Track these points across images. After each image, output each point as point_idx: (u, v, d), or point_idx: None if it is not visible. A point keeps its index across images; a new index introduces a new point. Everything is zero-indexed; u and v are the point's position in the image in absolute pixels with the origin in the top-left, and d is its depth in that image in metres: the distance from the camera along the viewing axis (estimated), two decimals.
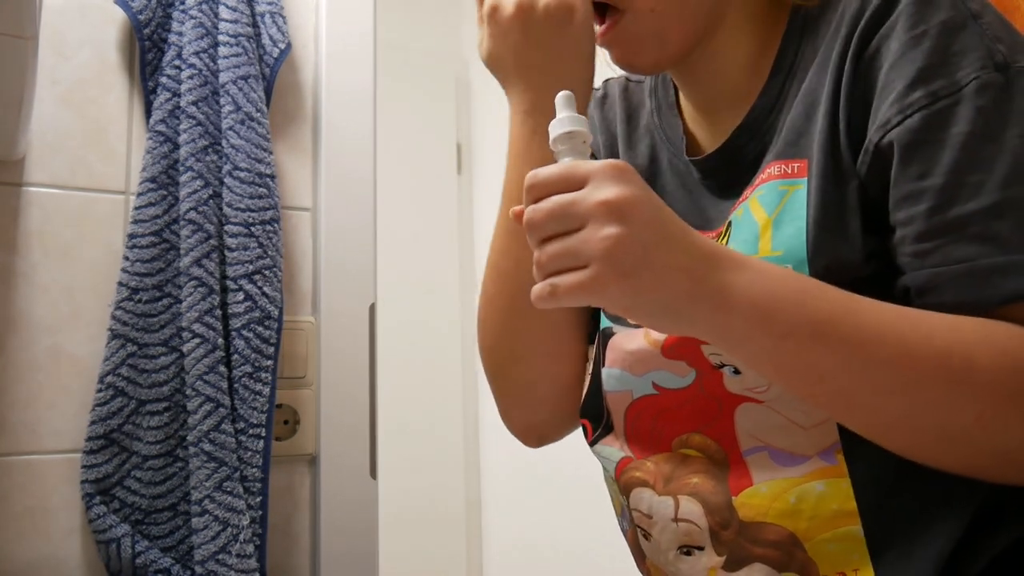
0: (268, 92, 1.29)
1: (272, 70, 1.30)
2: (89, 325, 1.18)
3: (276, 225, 1.23)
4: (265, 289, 1.20)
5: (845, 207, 0.57)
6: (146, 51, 1.24)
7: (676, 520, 0.62)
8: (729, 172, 0.67)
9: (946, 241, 0.53)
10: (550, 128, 0.54)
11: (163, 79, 1.23)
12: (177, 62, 1.23)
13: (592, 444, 0.71)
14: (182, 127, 1.20)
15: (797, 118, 0.61)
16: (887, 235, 0.57)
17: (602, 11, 0.67)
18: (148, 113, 1.24)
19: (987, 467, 0.52)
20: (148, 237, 1.18)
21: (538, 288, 0.50)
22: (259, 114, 1.24)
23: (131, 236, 1.18)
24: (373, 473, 1.32)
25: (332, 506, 1.28)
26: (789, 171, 0.60)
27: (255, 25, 1.29)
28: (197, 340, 1.14)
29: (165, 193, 1.20)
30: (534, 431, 0.79)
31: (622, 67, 0.68)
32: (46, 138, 1.20)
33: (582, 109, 0.69)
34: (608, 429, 0.69)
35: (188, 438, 1.13)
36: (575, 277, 0.48)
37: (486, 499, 2.57)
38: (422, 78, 2.65)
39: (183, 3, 1.25)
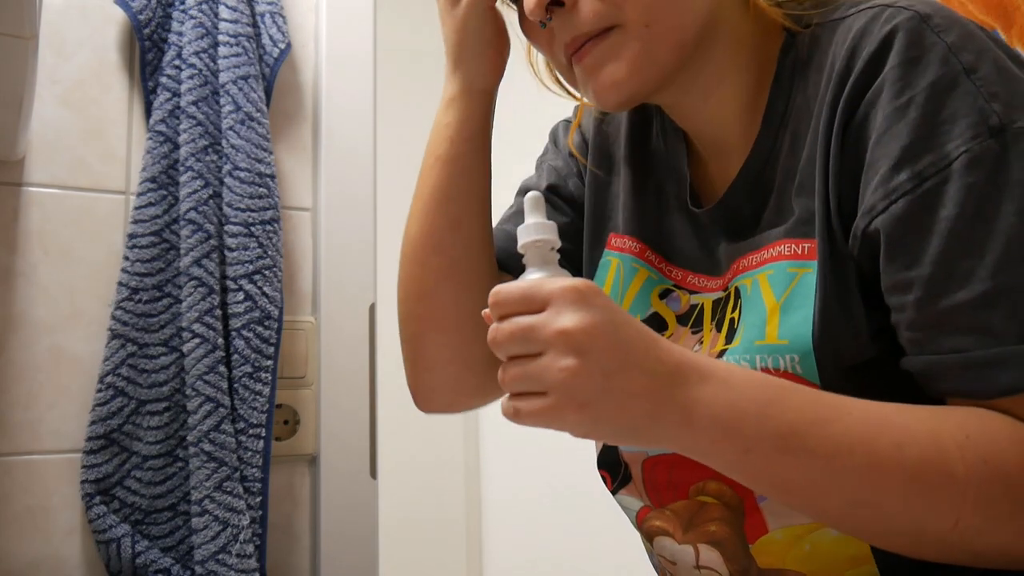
0: (268, 92, 1.29)
1: (272, 70, 1.30)
2: (89, 325, 1.18)
3: (276, 225, 1.23)
4: (265, 289, 1.20)
5: (847, 292, 0.56)
6: (146, 51, 1.24)
7: (698, 567, 0.63)
8: (731, 222, 0.66)
9: (938, 332, 0.51)
10: (518, 232, 0.54)
11: (163, 79, 1.23)
12: (177, 62, 1.23)
13: (613, 493, 0.71)
14: (182, 127, 1.20)
15: (803, 193, 0.59)
16: (889, 311, 0.56)
17: (580, 45, 0.64)
18: (148, 113, 1.24)
19: (965, 563, 0.51)
20: (148, 237, 1.18)
21: (504, 405, 0.51)
22: (259, 114, 1.24)
23: (131, 236, 1.18)
24: (373, 473, 1.32)
25: (332, 506, 1.28)
26: (800, 251, 0.58)
27: (255, 25, 1.29)
28: (197, 340, 1.14)
29: (165, 193, 1.20)
30: (432, 396, 0.82)
31: (600, 97, 0.63)
32: (46, 138, 1.20)
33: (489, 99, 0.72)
34: (626, 480, 0.69)
35: (188, 438, 1.13)
36: (535, 404, 0.49)
37: (486, 499, 2.57)
38: (422, 78, 2.65)
39: (183, 3, 1.25)
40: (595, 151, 0.79)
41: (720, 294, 0.65)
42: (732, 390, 0.50)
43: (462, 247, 0.73)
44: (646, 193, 0.73)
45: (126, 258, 1.17)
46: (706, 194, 0.70)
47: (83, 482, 1.12)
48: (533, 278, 0.52)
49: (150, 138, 1.21)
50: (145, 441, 1.14)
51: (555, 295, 0.49)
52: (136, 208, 1.19)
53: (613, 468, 0.70)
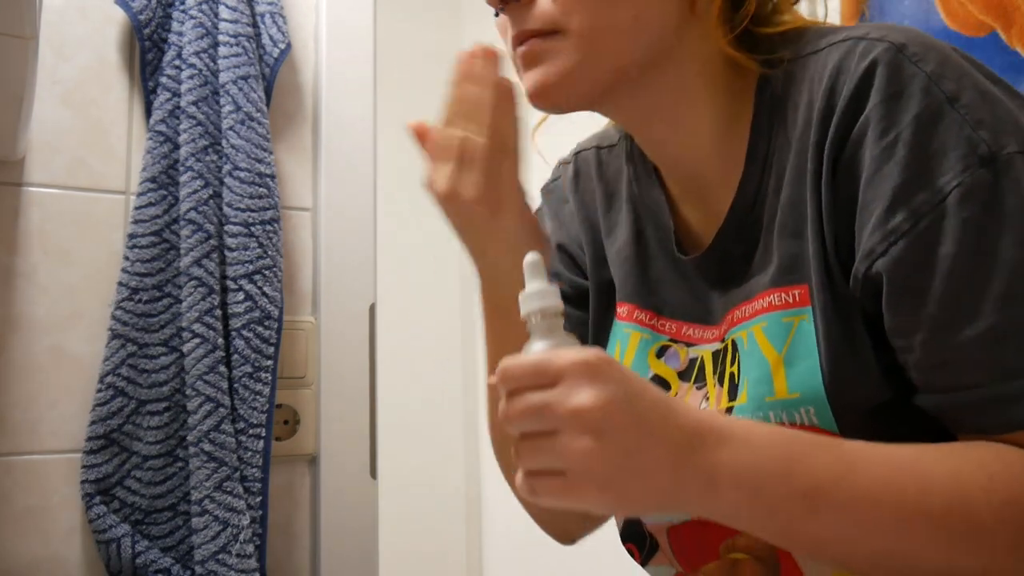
0: (268, 92, 1.29)
1: (272, 70, 1.30)
2: (89, 325, 1.18)
3: (276, 225, 1.23)
4: (265, 289, 1.20)
5: (854, 336, 0.55)
6: (146, 51, 1.24)
7: None
8: (720, 269, 0.64)
9: (948, 370, 0.51)
10: (520, 300, 0.52)
11: (163, 79, 1.23)
12: (177, 62, 1.23)
13: (643, 565, 0.70)
14: (182, 127, 1.20)
15: (785, 236, 0.58)
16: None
17: (524, 41, 0.62)
18: (148, 113, 1.24)
19: None
20: (148, 237, 1.18)
21: (520, 482, 0.50)
22: (259, 114, 1.24)
23: (131, 236, 1.18)
24: (373, 473, 1.32)
25: (332, 506, 1.28)
26: (790, 299, 0.57)
27: (255, 25, 1.29)
28: (197, 340, 1.14)
29: (165, 193, 1.20)
30: (566, 535, 0.81)
31: (534, 98, 0.62)
32: (46, 138, 1.20)
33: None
34: (654, 549, 0.68)
35: (188, 438, 1.13)
36: (554, 483, 0.47)
37: (486, 499, 2.57)
38: (422, 77, 2.65)
39: (183, 3, 1.25)
40: (582, 217, 0.78)
41: (718, 345, 0.64)
42: (753, 451, 0.49)
43: None
44: (626, 246, 0.72)
45: (126, 258, 1.17)
46: (688, 237, 0.69)
47: (83, 482, 1.12)
48: (541, 348, 0.50)
49: (150, 138, 1.21)
50: (145, 441, 1.14)
51: (567, 370, 0.47)
52: (136, 208, 1.19)
53: (639, 540, 0.69)
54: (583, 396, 0.46)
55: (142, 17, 1.23)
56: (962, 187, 0.49)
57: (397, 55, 2.46)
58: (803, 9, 0.68)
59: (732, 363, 0.62)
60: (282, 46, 1.30)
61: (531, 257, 0.53)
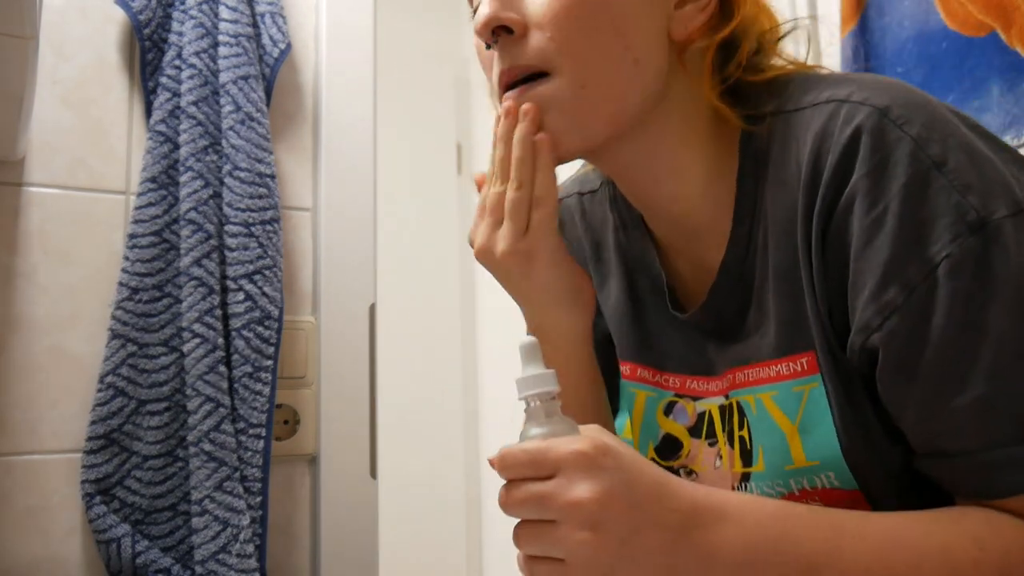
0: (268, 92, 1.29)
1: (272, 70, 1.30)
2: (89, 325, 1.18)
3: (276, 225, 1.23)
4: (265, 289, 1.20)
5: (859, 402, 0.56)
6: (146, 51, 1.24)
7: None
8: (717, 324, 0.65)
9: (940, 438, 0.52)
10: (516, 384, 0.53)
11: (163, 79, 1.23)
12: (177, 62, 1.23)
13: None
14: (182, 127, 1.20)
15: (782, 301, 0.58)
16: None
17: (514, 78, 0.61)
18: (148, 113, 1.24)
19: None
20: (148, 237, 1.18)
21: (521, 564, 0.51)
22: (259, 114, 1.24)
23: (131, 236, 1.18)
24: (373, 473, 1.32)
25: (332, 506, 1.28)
26: (799, 368, 0.58)
27: (255, 25, 1.29)
28: (197, 340, 1.14)
29: (165, 193, 1.20)
30: None
31: None
32: (46, 138, 1.20)
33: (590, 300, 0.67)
34: None
35: (188, 438, 1.13)
36: (553, 570, 0.49)
37: (486, 499, 2.57)
38: (422, 78, 2.65)
39: (183, 3, 1.25)
40: (595, 267, 0.77)
41: (722, 400, 0.64)
42: (748, 529, 0.50)
43: None
44: (621, 302, 0.72)
45: (126, 258, 1.17)
46: (679, 286, 0.69)
47: (83, 482, 1.12)
48: (537, 434, 0.51)
49: (150, 138, 1.21)
50: (145, 441, 1.14)
51: (564, 461, 0.48)
52: (136, 208, 1.19)
53: None
54: (580, 489, 0.47)
55: (142, 17, 1.23)
56: (951, 258, 0.50)
57: (397, 55, 2.46)
58: (786, 44, 0.67)
59: (741, 427, 0.62)
60: (282, 46, 1.30)
61: (526, 341, 0.53)
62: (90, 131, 1.23)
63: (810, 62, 0.67)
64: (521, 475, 0.49)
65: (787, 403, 0.59)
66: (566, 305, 0.67)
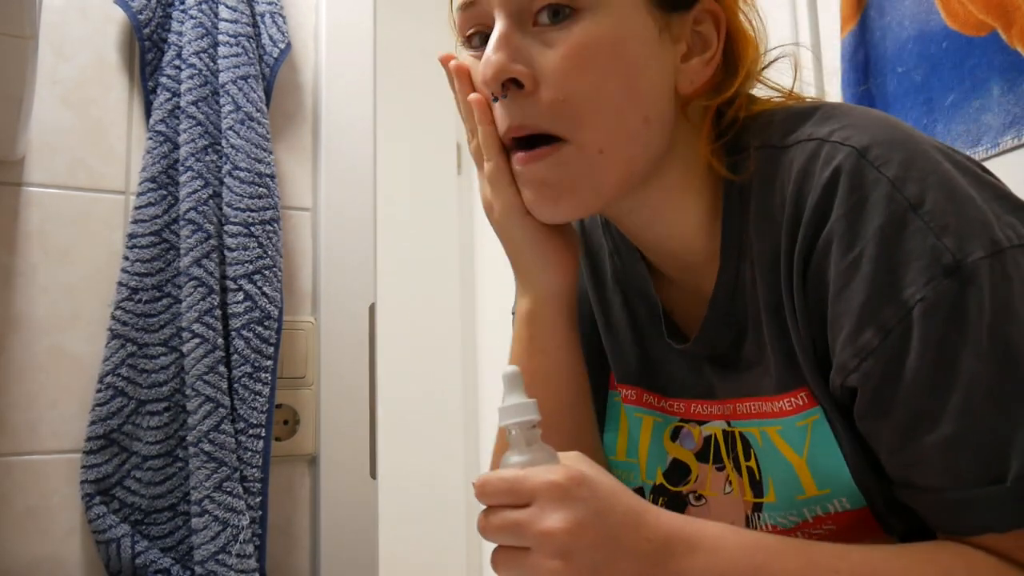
0: (268, 92, 1.29)
1: (272, 70, 1.30)
2: (89, 325, 1.18)
3: (276, 225, 1.23)
4: (265, 289, 1.20)
5: (853, 431, 0.57)
6: (146, 51, 1.24)
7: None
8: (712, 351, 0.65)
9: (911, 473, 0.53)
10: (498, 413, 0.54)
11: (163, 79, 1.23)
12: (177, 62, 1.23)
13: None
14: (182, 127, 1.20)
15: (775, 337, 0.59)
16: None
17: (529, 143, 0.60)
18: (148, 113, 1.24)
19: None
20: (148, 237, 1.18)
21: None
22: (259, 114, 1.24)
23: (131, 236, 1.18)
24: (373, 473, 1.32)
25: (332, 506, 1.28)
26: (800, 403, 0.59)
27: (255, 25, 1.29)
28: (197, 340, 1.14)
29: (165, 193, 1.20)
30: None
31: (535, 209, 0.62)
32: (46, 138, 1.20)
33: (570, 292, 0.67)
34: None
35: (188, 438, 1.13)
36: None
37: None
38: (422, 78, 2.65)
39: (183, 3, 1.25)
40: (591, 285, 0.77)
41: (725, 426, 0.65)
42: (721, 559, 0.51)
43: (573, 429, 0.71)
44: (624, 329, 0.72)
45: (126, 258, 1.17)
46: (678, 313, 0.69)
47: (83, 482, 1.12)
48: (517, 462, 0.53)
49: (150, 138, 1.21)
50: (145, 441, 1.14)
51: (538, 491, 0.50)
52: (136, 208, 1.19)
53: None
54: (552, 519, 0.49)
55: (142, 17, 1.23)
56: (925, 301, 0.50)
57: (397, 55, 2.45)
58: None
59: (748, 457, 0.63)
60: (282, 46, 1.30)
61: (509, 370, 0.54)
62: (90, 131, 1.23)
63: (798, 79, 0.66)
64: (499, 502, 0.51)
65: (793, 437, 0.59)
66: (555, 263, 0.67)
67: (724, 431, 0.65)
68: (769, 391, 0.60)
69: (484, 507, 0.52)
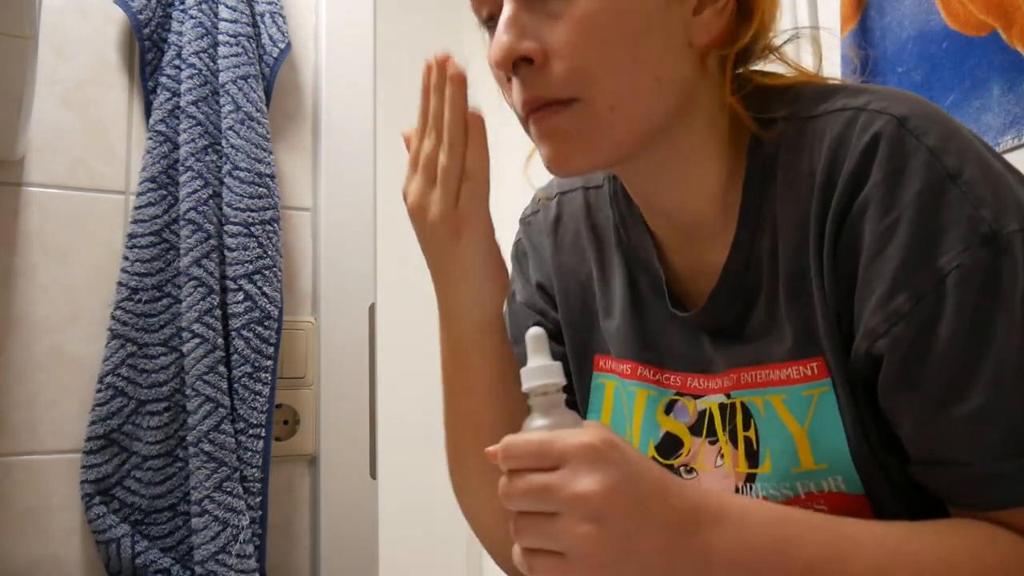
0: (268, 92, 1.29)
1: (272, 70, 1.30)
2: (89, 325, 1.18)
3: (276, 225, 1.23)
4: (265, 289, 1.20)
5: (864, 408, 0.56)
6: (146, 51, 1.24)
7: None
8: (717, 324, 0.64)
9: (938, 446, 0.53)
10: (521, 375, 0.52)
11: (163, 79, 1.23)
12: (177, 62, 1.23)
13: None
14: (182, 127, 1.20)
15: (793, 306, 0.58)
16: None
17: (540, 106, 0.59)
18: (148, 113, 1.24)
19: None
20: (148, 237, 1.18)
21: (517, 558, 0.50)
22: (259, 114, 1.24)
23: (131, 236, 1.18)
24: (373, 473, 1.32)
25: (332, 506, 1.28)
26: (809, 372, 0.58)
27: (255, 25, 1.29)
28: (197, 340, 1.14)
29: (165, 193, 1.20)
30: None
31: (553, 168, 0.61)
32: (46, 138, 1.20)
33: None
34: None
35: (188, 438, 1.13)
36: (552, 564, 0.48)
37: None
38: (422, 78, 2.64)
39: (183, 3, 1.25)
40: (559, 275, 0.76)
41: (723, 399, 0.64)
42: (748, 531, 0.50)
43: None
44: (623, 299, 0.71)
45: (126, 258, 1.17)
46: (678, 286, 0.69)
47: (83, 482, 1.12)
48: (542, 425, 0.51)
49: (150, 138, 1.21)
50: (145, 441, 1.14)
51: (570, 453, 0.48)
52: (136, 208, 1.19)
53: None
54: (585, 482, 0.47)
55: (142, 17, 1.23)
56: (961, 268, 0.50)
57: (397, 55, 2.45)
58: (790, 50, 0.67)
59: (747, 427, 0.62)
60: (282, 46, 1.30)
61: (534, 331, 0.52)
62: (90, 131, 1.23)
63: (814, 68, 0.66)
64: (525, 465, 0.49)
65: (797, 407, 0.59)
66: (483, 284, 0.66)
67: (721, 404, 0.65)
68: (777, 359, 0.60)
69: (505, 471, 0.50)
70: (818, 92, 0.60)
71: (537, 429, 0.50)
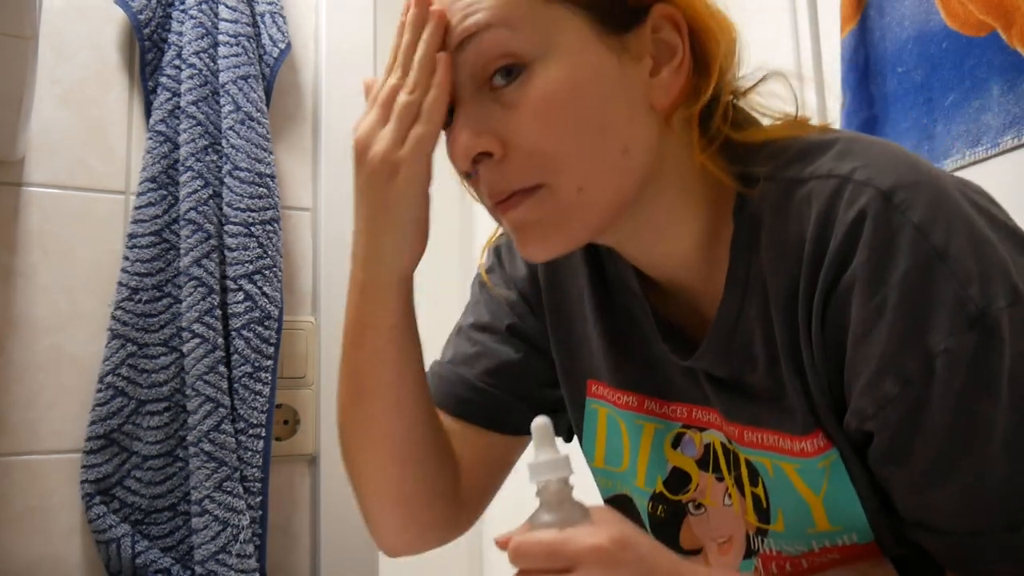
0: (268, 92, 1.29)
1: (272, 70, 1.30)
2: (89, 325, 1.18)
3: (276, 225, 1.23)
4: (265, 289, 1.20)
5: (865, 471, 0.57)
6: (146, 51, 1.24)
7: None
8: (711, 371, 0.63)
9: (925, 516, 0.54)
10: (529, 469, 0.51)
11: (163, 79, 1.23)
12: (177, 62, 1.23)
13: None
14: (182, 127, 1.20)
15: (793, 377, 0.58)
16: None
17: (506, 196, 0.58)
18: (148, 113, 1.24)
19: None
20: (148, 237, 1.18)
21: None
22: (259, 114, 1.24)
23: (131, 236, 1.18)
24: None
25: (332, 506, 1.28)
26: (821, 445, 0.58)
27: (255, 25, 1.29)
28: (197, 340, 1.14)
29: (165, 193, 1.20)
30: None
31: (527, 257, 0.60)
32: (46, 138, 1.20)
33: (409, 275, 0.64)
34: None
35: (188, 438, 1.13)
36: None
37: None
38: None
39: (183, 3, 1.25)
40: (548, 287, 0.74)
41: (723, 438, 0.64)
42: None
43: (404, 431, 0.68)
44: (622, 334, 0.70)
45: (126, 258, 1.17)
46: (677, 323, 0.67)
47: (83, 482, 1.12)
48: (551, 521, 0.50)
49: (150, 138, 1.21)
50: (145, 441, 1.14)
51: (582, 555, 0.47)
52: (136, 208, 1.19)
53: None
54: None
55: (142, 17, 1.23)
56: (948, 352, 0.49)
57: None
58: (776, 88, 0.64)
59: (754, 484, 0.62)
60: (282, 46, 1.30)
61: (541, 421, 0.51)
62: (90, 131, 1.23)
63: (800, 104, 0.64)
64: (536, 567, 0.48)
65: (811, 477, 0.58)
66: (405, 235, 0.63)
67: (724, 444, 0.64)
68: (791, 429, 0.59)
69: (515, 571, 0.49)
70: (801, 150, 0.58)
71: (546, 525, 0.50)
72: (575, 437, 0.76)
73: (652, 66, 0.58)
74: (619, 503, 0.71)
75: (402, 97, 0.60)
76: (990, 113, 0.92)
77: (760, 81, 0.62)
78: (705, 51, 0.59)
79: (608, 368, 0.70)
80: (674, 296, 0.66)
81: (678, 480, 0.67)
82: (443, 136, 0.61)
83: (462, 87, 0.58)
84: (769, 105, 0.63)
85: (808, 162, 0.57)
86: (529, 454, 0.53)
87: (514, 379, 0.74)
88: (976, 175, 0.93)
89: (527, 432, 0.53)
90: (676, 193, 0.61)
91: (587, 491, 0.60)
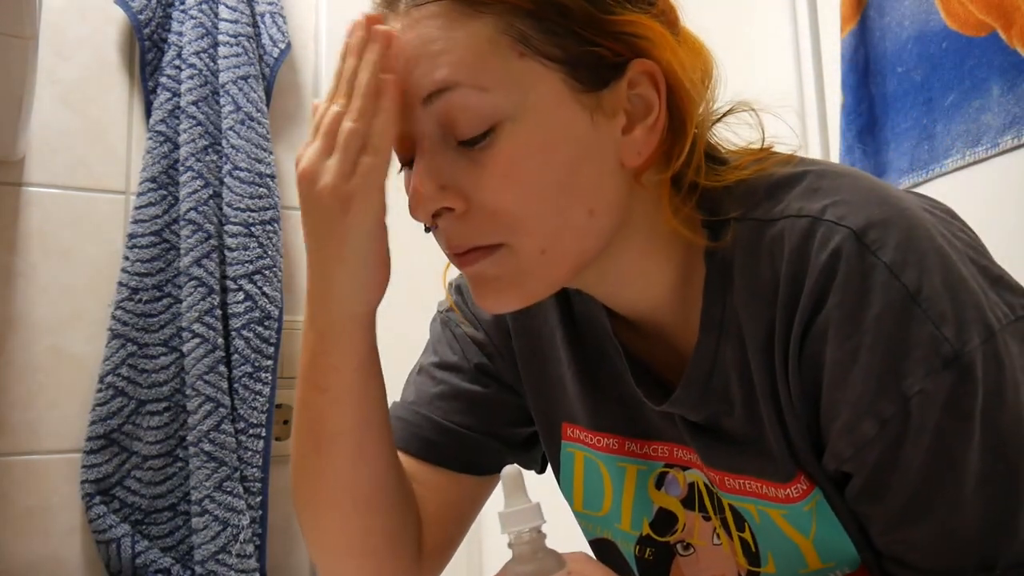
0: (268, 92, 1.29)
1: (272, 70, 1.30)
2: (89, 325, 1.18)
3: (276, 225, 1.23)
4: (265, 289, 1.20)
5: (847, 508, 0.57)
6: (146, 51, 1.24)
7: None
8: (685, 415, 0.62)
9: (901, 552, 0.54)
10: (500, 519, 0.50)
11: (163, 79, 1.23)
12: (177, 62, 1.23)
13: None
14: (182, 127, 1.20)
15: (773, 423, 0.57)
16: None
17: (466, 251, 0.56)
18: (148, 113, 1.24)
19: None
20: (148, 237, 1.18)
21: None
22: (259, 114, 1.24)
23: (131, 236, 1.18)
24: None
25: None
26: (805, 488, 0.57)
27: (255, 25, 1.29)
28: (197, 340, 1.14)
29: (165, 193, 1.20)
30: None
31: (482, 301, 0.57)
32: (46, 138, 1.20)
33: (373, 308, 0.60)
34: None
35: (188, 438, 1.13)
36: None
37: None
38: None
39: (183, 3, 1.25)
40: (519, 333, 0.72)
41: (703, 477, 0.63)
42: None
43: (368, 479, 0.64)
44: (596, 375, 0.68)
45: (126, 258, 1.17)
46: (652, 362, 0.66)
47: (83, 482, 1.12)
48: (524, 573, 0.50)
49: (150, 138, 1.21)
50: (145, 441, 1.14)
51: None
52: (136, 208, 1.19)
53: None
54: None
55: (142, 17, 1.23)
56: (923, 393, 0.49)
57: None
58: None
59: (740, 528, 0.61)
60: (282, 46, 1.30)
61: (510, 470, 0.51)
62: (90, 131, 1.23)
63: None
64: None
65: (800, 521, 0.58)
66: (362, 272, 0.59)
67: (706, 485, 0.64)
68: (773, 476, 0.58)
69: None
70: (769, 188, 0.57)
71: None
72: (548, 467, 0.75)
73: (625, 123, 0.56)
74: (602, 547, 0.71)
75: (346, 124, 0.56)
76: (990, 113, 0.92)
77: (727, 113, 0.61)
78: (682, 110, 0.57)
79: (584, 410, 0.69)
80: (648, 334, 0.65)
81: (664, 521, 0.66)
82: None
83: (426, 136, 0.55)
84: (736, 132, 0.61)
85: (777, 200, 0.56)
86: (498, 497, 0.53)
87: (484, 419, 0.72)
88: (976, 175, 0.93)
89: (497, 471, 0.52)
90: (643, 245, 0.59)
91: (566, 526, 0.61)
